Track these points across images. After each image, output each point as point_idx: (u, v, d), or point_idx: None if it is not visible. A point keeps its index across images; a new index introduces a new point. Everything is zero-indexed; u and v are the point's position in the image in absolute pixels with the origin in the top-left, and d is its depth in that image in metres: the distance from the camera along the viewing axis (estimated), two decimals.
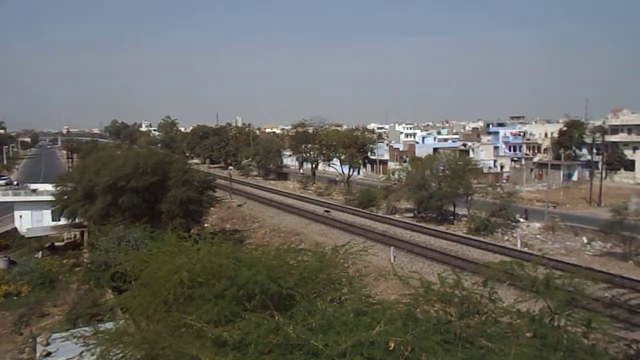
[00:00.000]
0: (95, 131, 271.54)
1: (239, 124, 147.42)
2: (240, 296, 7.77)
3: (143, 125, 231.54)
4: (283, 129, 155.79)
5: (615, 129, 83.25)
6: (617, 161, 77.10)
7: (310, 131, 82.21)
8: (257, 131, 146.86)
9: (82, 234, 40.57)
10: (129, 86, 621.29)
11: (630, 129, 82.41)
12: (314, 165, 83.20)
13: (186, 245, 10.39)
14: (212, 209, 46.74)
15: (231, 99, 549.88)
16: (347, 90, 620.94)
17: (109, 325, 9.92)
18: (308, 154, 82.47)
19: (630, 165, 76.11)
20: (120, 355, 7.57)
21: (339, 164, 75.69)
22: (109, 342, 7.80)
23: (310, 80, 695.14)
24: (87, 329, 9.65)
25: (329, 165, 79.93)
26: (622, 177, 75.66)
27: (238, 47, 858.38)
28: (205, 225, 42.69)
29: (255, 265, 8.62)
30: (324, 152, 77.87)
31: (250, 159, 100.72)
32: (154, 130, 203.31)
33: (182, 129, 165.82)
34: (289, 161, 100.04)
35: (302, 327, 6.49)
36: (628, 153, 78.30)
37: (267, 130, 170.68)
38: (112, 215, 32.17)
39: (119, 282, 13.27)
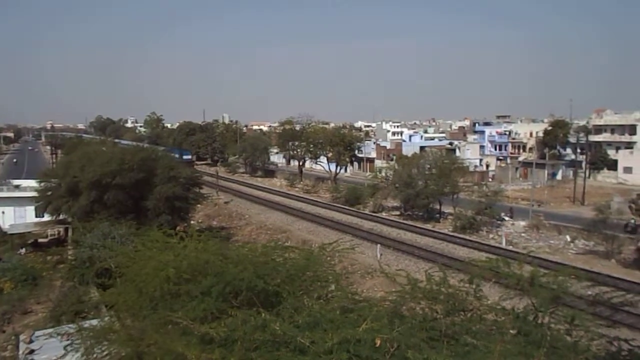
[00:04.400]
0: (80, 127, 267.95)
1: (226, 121, 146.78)
2: (227, 293, 7.75)
3: (129, 121, 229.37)
4: (270, 126, 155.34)
5: (598, 129, 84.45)
6: (600, 161, 78.15)
7: (298, 129, 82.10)
8: (244, 128, 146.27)
9: (66, 230, 40.10)
10: (115, 82, 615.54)
11: (613, 129, 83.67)
12: (301, 163, 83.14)
13: (172, 242, 10.32)
14: (198, 206, 46.51)
15: (218, 96, 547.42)
16: (335, 88, 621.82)
17: (94, 322, 9.82)
18: (295, 152, 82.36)
19: (613, 165, 77.15)
20: (105, 352, 7.50)
21: (326, 161, 75.67)
22: (93, 340, 7.73)
23: (298, 79, 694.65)
24: (71, 326, 9.54)
25: (316, 163, 79.88)
26: (605, 177, 76.68)
27: (226, 46, 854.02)
28: (192, 222, 42.48)
29: (241, 262, 8.60)
30: (311, 149, 77.82)
31: (237, 156, 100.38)
32: (140, 126, 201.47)
33: (169, 125, 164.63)
34: (276, 158, 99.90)
35: (288, 324, 6.49)
36: (611, 153, 79.48)
37: (255, 127, 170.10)
38: (97, 211, 31.83)
39: (103, 278, 13.15)
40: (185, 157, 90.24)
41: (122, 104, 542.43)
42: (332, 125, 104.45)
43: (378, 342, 5.88)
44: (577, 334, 7.05)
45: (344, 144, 72.66)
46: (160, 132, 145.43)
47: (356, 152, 77.79)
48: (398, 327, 6.24)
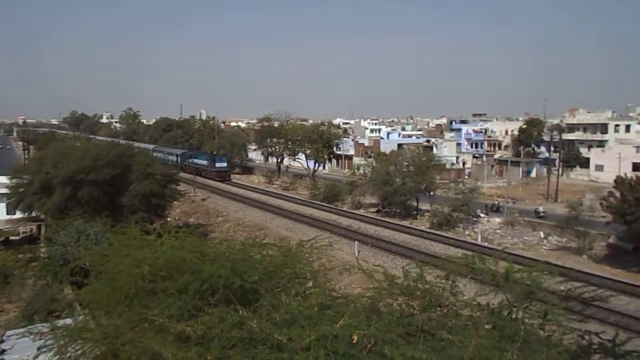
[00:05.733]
0: (53, 122, 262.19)
1: (204, 117, 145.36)
2: (204, 290, 7.67)
3: (104, 117, 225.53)
4: (248, 122, 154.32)
5: (571, 128, 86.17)
6: (573, 159, 79.73)
7: (276, 125, 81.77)
8: (222, 124, 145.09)
9: (38, 228, 39.35)
10: (90, 77, 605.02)
11: (585, 127, 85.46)
12: (279, 160, 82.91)
13: (149, 239, 10.19)
14: (175, 202, 46.10)
15: (196, 91, 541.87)
16: (314, 85, 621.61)
17: (68, 321, 9.65)
18: (273, 149, 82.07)
19: (585, 163, 78.86)
20: (79, 351, 7.36)
21: (304, 158, 75.61)
22: (67, 339, 7.59)
23: (276, 76, 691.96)
24: (44, 325, 9.36)
25: (294, 160, 79.69)
26: (577, 174, 78.33)
27: (206, 43, 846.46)
28: (169, 219, 42.06)
29: (219, 259, 8.53)
30: (290, 146, 77.64)
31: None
32: (115, 122, 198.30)
33: (145, 121, 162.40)
34: (254, 155, 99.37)
35: (266, 321, 6.46)
36: (583, 151, 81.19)
37: (232, 123, 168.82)
38: (71, 208, 31.28)
39: (78, 276, 12.92)
40: (218, 164, 75.23)
41: (97, 99, 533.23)
42: (310, 122, 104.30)
43: (355, 338, 5.91)
44: (550, 329, 7.18)
45: (322, 141, 72.66)
46: (137, 128, 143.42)
47: (334, 149, 77.88)
48: (375, 323, 6.27)
